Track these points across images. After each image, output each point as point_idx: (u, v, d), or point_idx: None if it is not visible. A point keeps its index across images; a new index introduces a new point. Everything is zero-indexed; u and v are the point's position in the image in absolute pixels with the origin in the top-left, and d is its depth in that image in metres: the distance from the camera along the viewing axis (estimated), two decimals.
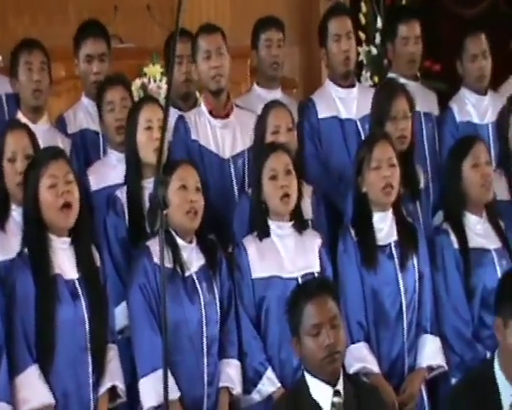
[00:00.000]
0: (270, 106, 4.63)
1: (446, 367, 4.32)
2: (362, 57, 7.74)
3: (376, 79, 7.39)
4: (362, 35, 7.74)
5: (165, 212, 3.86)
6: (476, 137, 4.59)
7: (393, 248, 4.34)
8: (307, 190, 4.57)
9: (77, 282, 3.93)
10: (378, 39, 7.56)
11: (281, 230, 4.26)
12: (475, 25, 6.07)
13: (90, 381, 3.89)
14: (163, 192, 3.26)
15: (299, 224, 4.30)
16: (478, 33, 5.37)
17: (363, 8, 7.82)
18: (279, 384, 4.13)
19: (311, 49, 7.00)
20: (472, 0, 8.42)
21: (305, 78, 7.40)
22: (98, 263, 4.03)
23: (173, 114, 4.92)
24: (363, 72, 7.71)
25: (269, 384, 4.14)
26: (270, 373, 4.15)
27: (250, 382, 4.17)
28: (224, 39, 4.84)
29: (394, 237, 4.35)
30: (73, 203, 3.92)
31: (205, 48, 4.77)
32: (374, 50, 7.68)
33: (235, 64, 5.60)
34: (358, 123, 5.04)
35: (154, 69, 5.84)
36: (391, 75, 5.43)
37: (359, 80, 7.43)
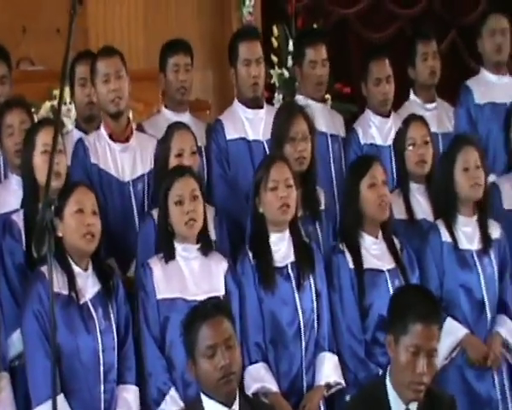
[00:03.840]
0: (174, 128, 4.57)
1: (344, 384, 4.30)
2: (274, 80, 7.78)
3: None
4: (274, 58, 7.78)
5: (61, 234, 3.85)
6: (373, 158, 4.58)
7: (290, 270, 4.30)
8: (210, 211, 4.51)
9: None
10: (290, 62, 7.54)
11: (186, 252, 4.20)
12: (380, 49, 6.08)
13: None
14: (51, 216, 3.14)
15: (205, 247, 4.23)
16: (382, 58, 5.40)
17: (275, 31, 7.83)
18: (182, 404, 4.05)
19: (224, 72, 6.94)
20: (380, 25, 8.49)
21: (218, 100, 7.38)
22: None
23: (77, 136, 4.85)
24: (276, 94, 7.73)
25: (172, 404, 4.07)
26: (173, 393, 4.08)
27: (154, 402, 4.09)
28: (124, 62, 4.76)
29: (291, 258, 4.31)
30: None
31: (103, 71, 4.69)
32: (286, 73, 7.71)
33: (148, 86, 5.54)
34: (265, 144, 4.99)
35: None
36: (299, 97, 5.40)
37: (272, 102, 7.47)
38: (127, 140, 4.76)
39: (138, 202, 4.68)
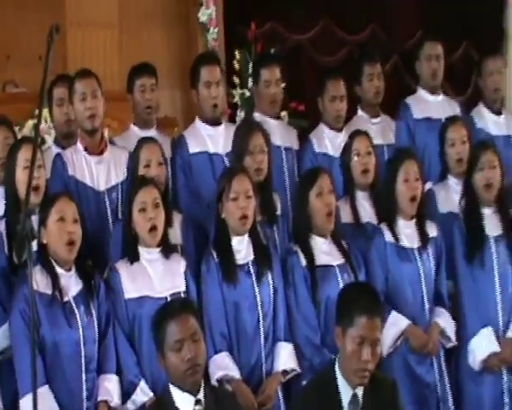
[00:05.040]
0: (143, 142, 4.57)
1: (299, 370, 4.29)
2: (237, 99, 7.77)
3: None
4: (236, 79, 7.77)
5: (46, 241, 3.81)
6: (321, 170, 4.58)
7: (251, 267, 4.29)
8: (177, 218, 4.49)
9: None
10: (250, 83, 7.53)
11: (149, 255, 4.18)
12: (336, 70, 6.10)
13: None
14: (30, 225, 3.10)
15: (166, 250, 4.21)
16: (338, 78, 5.42)
17: (237, 55, 7.83)
18: (151, 394, 4.03)
19: (191, 92, 6.94)
20: (330, 50, 8.52)
21: (185, 117, 7.34)
22: None
23: (56, 151, 4.82)
24: (238, 111, 7.73)
25: (142, 395, 4.03)
26: (143, 384, 4.04)
27: (125, 393, 4.06)
28: (99, 83, 4.74)
29: (251, 257, 4.31)
30: None
31: (81, 90, 4.66)
32: (247, 93, 7.70)
33: (122, 105, 5.51)
34: (225, 157, 4.98)
35: (45, 111, 5.66)
36: (256, 114, 5.40)
37: (235, 119, 7.47)
38: (102, 153, 4.73)
39: (113, 210, 4.65)
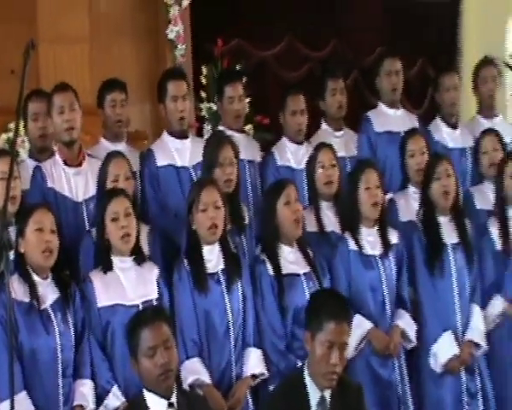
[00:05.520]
0: (111, 156, 4.53)
1: (268, 374, 4.28)
2: (204, 113, 7.75)
3: None
4: (203, 94, 7.75)
5: (23, 250, 3.74)
6: (288, 180, 4.59)
7: (221, 275, 4.27)
8: (144, 229, 4.47)
9: None
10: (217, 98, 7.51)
11: (122, 264, 4.15)
12: (296, 86, 6.11)
13: None
14: (7, 236, 3.06)
15: (139, 258, 4.19)
16: (298, 93, 5.42)
17: (204, 71, 7.82)
18: (123, 399, 4.00)
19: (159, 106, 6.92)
20: (294, 66, 8.55)
21: (155, 131, 7.29)
22: None
23: (31, 164, 4.77)
24: (205, 125, 7.71)
25: (114, 399, 4.01)
26: (115, 390, 4.01)
27: (98, 398, 4.02)
28: (77, 97, 4.72)
29: (221, 266, 4.29)
30: None
31: (59, 104, 4.65)
32: (214, 107, 7.66)
33: (94, 120, 5.46)
34: (191, 170, 4.96)
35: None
36: (221, 128, 5.38)
37: (202, 132, 7.45)
38: (80, 165, 4.71)
39: (91, 220, 4.60)
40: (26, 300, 3.88)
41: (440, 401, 4.69)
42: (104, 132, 5.20)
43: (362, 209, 4.64)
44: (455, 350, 4.66)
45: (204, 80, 7.79)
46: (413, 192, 5.07)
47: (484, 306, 4.82)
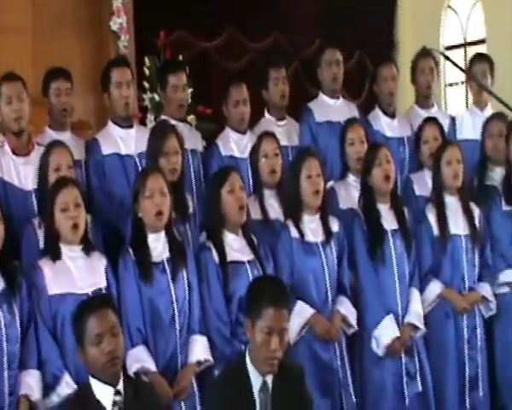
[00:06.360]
0: (52, 146, 4.44)
1: (212, 361, 4.23)
2: (147, 103, 7.66)
3: None
4: (146, 84, 7.66)
5: None
6: (232, 168, 4.54)
7: (166, 264, 4.20)
8: (87, 218, 4.35)
9: None
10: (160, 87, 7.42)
11: (71, 253, 4.07)
12: (238, 76, 6.06)
13: None
14: None
15: (87, 247, 4.11)
16: (240, 83, 5.36)
17: (147, 62, 7.73)
18: (75, 386, 3.90)
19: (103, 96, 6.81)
20: (235, 57, 8.51)
21: (98, 120, 7.18)
22: None
23: None
24: (148, 115, 7.62)
25: (67, 387, 3.92)
26: (67, 377, 3.94)
27: (49, 386, 3.94)
28: (25, 87, 4.60)
29: (167, 254, 4.22)
30: None
31: (7, 93, 4.55)
32: (156, 97, 7.59)
33: (37, 110, 5.33)
34: (137, 158, 4.88)
35: None
36: (164, 117, 5.30)
37: (145, 122, 7.36)
38: (28, 154, 4.60)
39: (40, 209, 4.46)
40: None
41: (382, 382, 4.70)
42: (49, 121, 5.09)
43: (304, 197, 4.61)
44: (396, 333, 4.68)
45: (147, 71, 7.70)
46: (353, 181, 5.07)
47: (422, 290, 4.85)
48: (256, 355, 3.48)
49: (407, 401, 4.71)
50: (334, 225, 4.69)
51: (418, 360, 4.77)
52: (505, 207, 5.07)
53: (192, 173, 5.08)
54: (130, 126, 4.96)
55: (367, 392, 4.71)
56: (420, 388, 4.75)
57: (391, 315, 4.69)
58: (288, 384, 3.53)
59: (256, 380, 3.50)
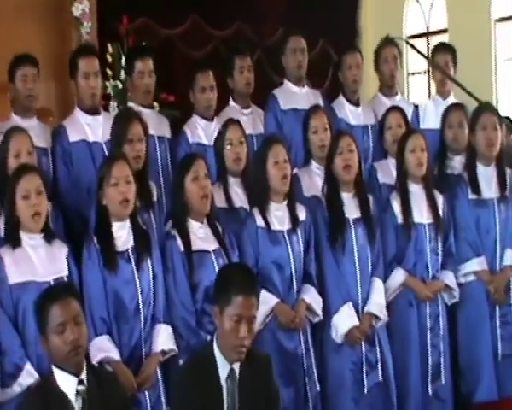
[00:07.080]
0: (12, 132, 4.37)
1: (177, 350, 4.19)
2: (109, 90, 7.58)
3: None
4: (109, 72, 7.57)
5: None
6: (196, 155, 4.48)
7: (130, 253, 4.14)
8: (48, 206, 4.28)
9: None
10: (123, 75, 7.36)
11: (32, 241, 4.00)
12: (205, 63, 6.01)
13: None
14: None
15: (49, 235, 4.05)
16: (207, 70, 5.32)
17: (110, 49, 7.63)
18: (37, 376, 3.85)
19: (65, 83, 6.69)
20: (199, 44, 8.43)
21: (60, 107, 7.10)
22: None
23: None
24: (111, 102, 7.53)
25: (28, 377, 3.86)
26: (28, 367, 3.87)
27: (10, 376, 3.86)
28: None
29: (131, 243, 4.16)
30: None
31: None
32: (119, 84, 7.52)
33: None
34: (104, 145, 4.80)
35: None
36: (130, 104, 5.24)
37: (108, 109, 7.26)
38: None
39: None
40: None
41: (341, 371, 4.68)
42: (15, 108, 4.99)
43: (271, 184, 4.57)
44: (354, 321, 4.65)
45: (109, 58, 7.60)
46: (316, 168, 5.05)
47: (386, 278, 4.85)
48: (224, 343, 3.45)
49: (366, 389, 4.69)
50: (302, 214, 4.66)
51: (379, 349, 4.75)
52: (471, 196, 5.08)
53: (159, 160, 5.02)
54: (98, 113, 4.90)
55: (327, 380, 4.69)
56: (380, 377, 4.72)
57: (349, 303, 4.67)
58: (255, 372, 3.51)
59: (223, 368, 3.47)
